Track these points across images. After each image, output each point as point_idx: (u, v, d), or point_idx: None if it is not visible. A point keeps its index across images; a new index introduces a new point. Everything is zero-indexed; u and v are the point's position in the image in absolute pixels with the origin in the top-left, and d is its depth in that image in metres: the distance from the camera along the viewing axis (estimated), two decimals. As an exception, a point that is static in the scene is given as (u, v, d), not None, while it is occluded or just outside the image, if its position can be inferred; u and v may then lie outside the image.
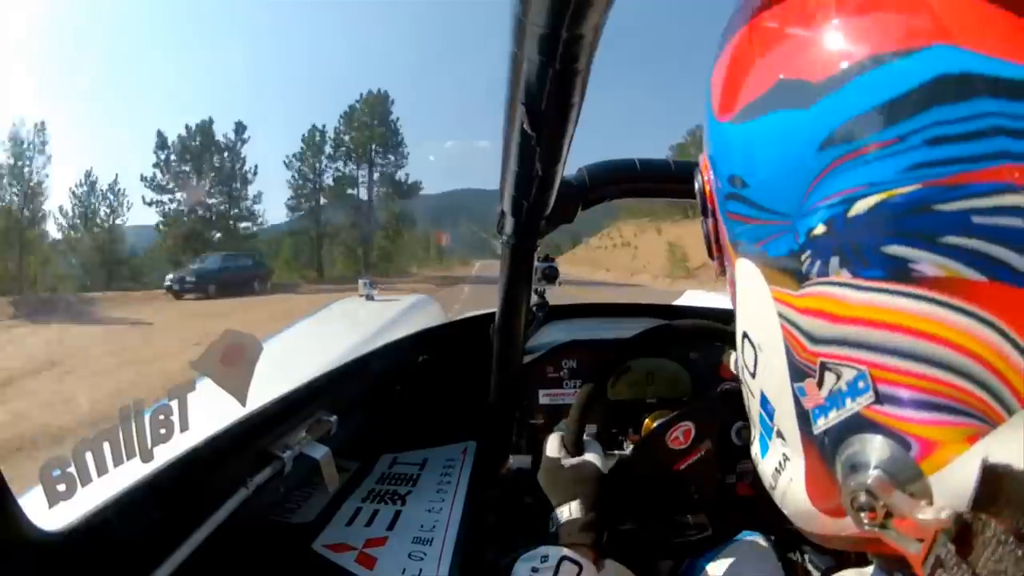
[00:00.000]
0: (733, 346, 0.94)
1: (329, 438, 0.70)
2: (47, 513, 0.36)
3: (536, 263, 0.93)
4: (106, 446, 0.39)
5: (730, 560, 0.77)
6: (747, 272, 0.26)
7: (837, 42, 0.20)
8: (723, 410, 0.87)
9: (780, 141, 0.22)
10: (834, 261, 0.21)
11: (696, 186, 0.31)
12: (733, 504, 0.90)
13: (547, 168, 0.52)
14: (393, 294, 1.74)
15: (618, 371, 0.96)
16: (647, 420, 0.93)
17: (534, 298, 1.04)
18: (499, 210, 0.71)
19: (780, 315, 0.24)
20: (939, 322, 0.18)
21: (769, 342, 0.25)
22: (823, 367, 0.22)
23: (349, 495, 0.83)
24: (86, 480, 0.37)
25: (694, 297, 2.15)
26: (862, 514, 0.20)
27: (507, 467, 0.93)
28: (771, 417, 0.27)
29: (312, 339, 1.23)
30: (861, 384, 0.21)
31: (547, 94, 0.40)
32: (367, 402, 0.96)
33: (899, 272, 0.19)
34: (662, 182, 0.79)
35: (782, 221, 0.23)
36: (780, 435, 0.27)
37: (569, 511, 0.62)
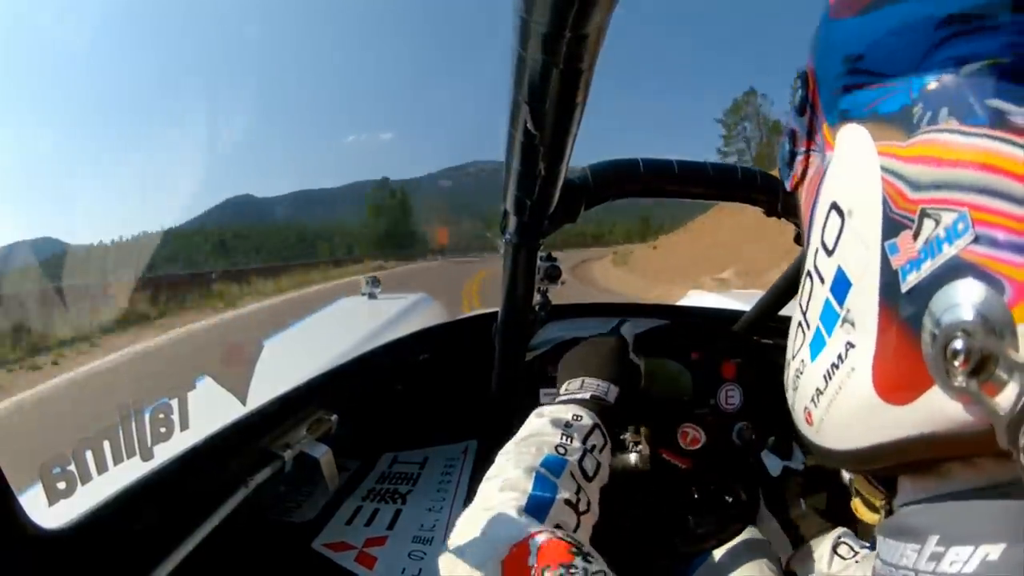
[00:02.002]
0: (733, 347, 0.95)
1: (329, 437, 0.71)
2: (47, 511, 0.36)
3: (539, 262, 0.93)
4: (106, 444, 0.39)
5: (728, 558, 0.77)
6: (851, 136, 0.30)
7: None
8: (736, 453, 0.90)
9: (903, 22, 0.27)
10: (943, 111, 0.25)
11: (798, 94, 0.35)
12: (733, 504, 0.90)
13: (550, 167, 0.52)
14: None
15: None
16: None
17: (536, 297, 1.04)
18: (502, 209, 0.71)
19: (884, 168, 0.27)
20: None
21: (864, 202, 0.28)
22: (923, 214, 0.25)
23: (349, 494, 0.83)
24: (86, 478, 0.37)
25: (696, 297, 2.15)
26: (954, 363, 0.22)
27: None
28: (842, 298, 0.30)
29: (313, 337, 1.24)
30: (961, 226, 0.23)
31: (550, 93, 0.40)
32: (368, 401, 0.96)
33: (998, 121, 0.23)
34: (666, 182, 0.79)
35: (897, 82, 0.27)
36: (847, 321, 0.29)
37: (607, 391, 0.61)
